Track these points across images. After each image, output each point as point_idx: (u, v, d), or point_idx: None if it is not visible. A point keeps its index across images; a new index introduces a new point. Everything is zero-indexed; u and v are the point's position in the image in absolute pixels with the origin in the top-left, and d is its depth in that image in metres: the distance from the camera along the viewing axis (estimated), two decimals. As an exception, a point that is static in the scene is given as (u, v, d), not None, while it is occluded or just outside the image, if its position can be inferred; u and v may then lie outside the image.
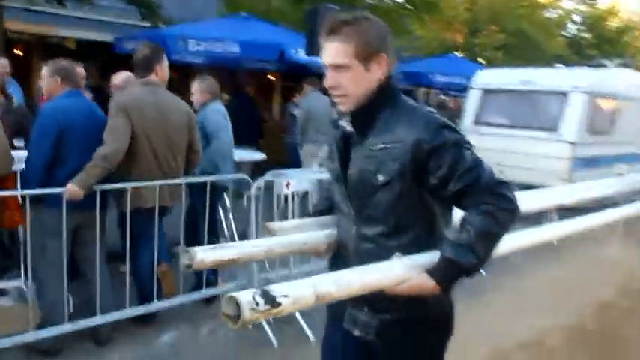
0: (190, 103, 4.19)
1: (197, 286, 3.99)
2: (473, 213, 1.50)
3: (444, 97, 12.42)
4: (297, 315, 3.83)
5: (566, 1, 19.31)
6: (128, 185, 3.35)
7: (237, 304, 1.22)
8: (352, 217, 1.67)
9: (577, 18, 20.39)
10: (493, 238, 1.50)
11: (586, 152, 8.52)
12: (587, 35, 20.06)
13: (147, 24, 9.34)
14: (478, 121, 9.43)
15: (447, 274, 1.48)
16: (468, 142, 1.58)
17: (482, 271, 4.65)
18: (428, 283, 1.47)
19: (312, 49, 6.35)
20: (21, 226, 3.77)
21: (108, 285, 3.55)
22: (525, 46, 14.65)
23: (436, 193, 1.57)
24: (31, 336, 3.20)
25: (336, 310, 1.78)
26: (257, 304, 1.22)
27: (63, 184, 3.17)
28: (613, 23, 20.07)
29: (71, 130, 3.24)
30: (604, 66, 10.13)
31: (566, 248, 6.12)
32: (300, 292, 1.31)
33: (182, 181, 3.67)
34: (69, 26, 9.78)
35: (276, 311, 1.25)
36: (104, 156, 3.17)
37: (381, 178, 1.57)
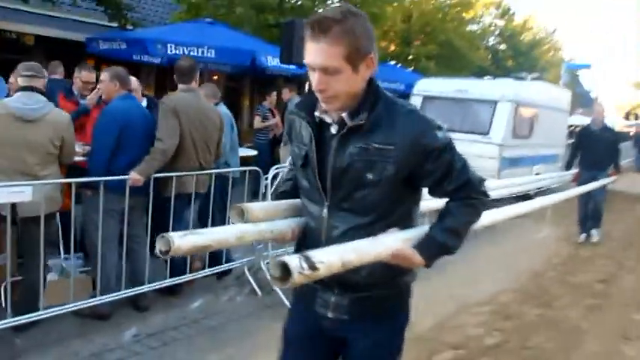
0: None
1: (212, 263, 4.69)
2: (460, 204, 1.66)
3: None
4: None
5: (485, 16, 21.11)
6: (174, 174, 4.02)
7: (284, 268, 1.39)
8: (326, 206, 1.68)
9: (495, 30, 22.32)
10: (472, 225, 1.71)
11: (511, 153, 9.88)
12: (503, 47, 22.05)
13: (113, 24, 9.67)
14: (419, 125, 10.56)
15: (435, 252, 1.63)
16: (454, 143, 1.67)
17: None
18: (416, 258, 1.59)
19: (287, 57, 7.10)
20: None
21: (149, 259, 4.20)
22: (453, 57, 16.16)
23: (429, 190, 1.69)
24: (92, 302, 3.80)
25: (306, 297, 1.83)
26: (302, 268, 1.39)
27: (120, 173, 3.80)
28: (527, 37, 22.36)
29: (128, 127, 3.88)
30: (523, 78, 11.65)
31: (506, 232, 7.33)
32: (330, 259, 1.47)
33: (212, 171, 4.38)
34: (30, 23, 9.91)
35: (315, 275, 1.41)
36: (163, 150, 3.84)
37: (370, 176, 1.58)
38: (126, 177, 3.77)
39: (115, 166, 3.85)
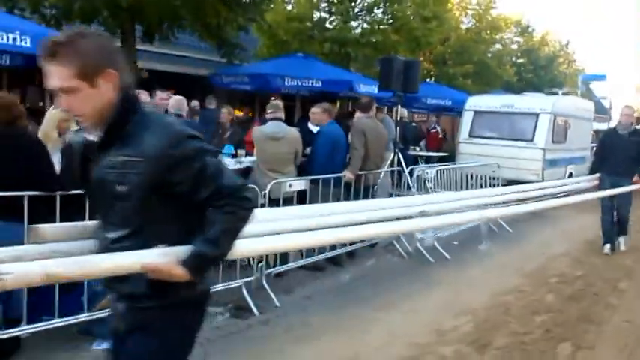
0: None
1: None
2: (218, 212, 1.67)
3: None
4: (436, 244, 6.71)
5: (507, 33, 23.22)
6: (364, 172, 6.13)
7: None
8: (100, 219, 1.79)
9: (515, 47, 24.43)
10: (234, 233, 1.71)
11: (551, 156, 11.97)
12: (523, 60, 24.14)
13: (222, 60, 11.82)
14: (472, 135, 12.69)
15: (196, 263, 1.64)
16: (211, 150, 1.70)
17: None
18: (177, 270, 1.61)
19: (386, 85, 9.19)
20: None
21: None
22: (485, 74, 18.32)
23: (185, 198, 1.67)
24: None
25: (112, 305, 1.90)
26: None
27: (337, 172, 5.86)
28: (545, 51, 24.52)
29: (337, 143, 5.99)
30: (556, 93, 13.74)
31: (559, 218, 9.34)
32: (25, 269, 1.52)
33: (384, 170, 6.50)
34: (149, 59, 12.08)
35: (2, 284, 1.45)
36: (360, 156, 5.95)
37: (121, 188, 1.63)
38: (339, 175, 5.87)
39: (330, 168, 5.94)
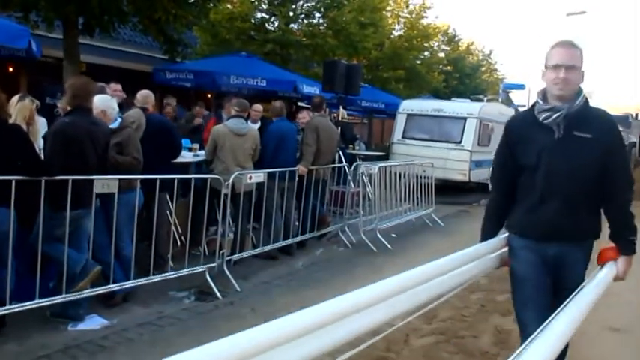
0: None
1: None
2: None
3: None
4: (378, 235, 7.24)
5: (434, 42, 24.44)
6: (314, 167, 6.54)
7: None
8: None
9: (442, 55, 25.75)
10: None
11: (477, 157, 12.92)
12: (450, 68, 25.51)
13: (162, 56, 11.84)
14: (405, 136, 13.46)
15: None
16: None
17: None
18: None
19: (329, 87, 9.66)
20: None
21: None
22: (415, 79, 19.29)
23: None
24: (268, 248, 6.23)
25: None
26: None
27: (283, 166, 6.26)
28: (470, 60, 26.02)
29: (285, 139, 6.36)
30: (482, 100, 14.81)
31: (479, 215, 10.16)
32: None
33: (333, 166, 6.94)
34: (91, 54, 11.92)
35: None
36: (312, 152, 6.36)
37: None
38: (294, 168, 6.25)
39: (278, 161, 6.30)
